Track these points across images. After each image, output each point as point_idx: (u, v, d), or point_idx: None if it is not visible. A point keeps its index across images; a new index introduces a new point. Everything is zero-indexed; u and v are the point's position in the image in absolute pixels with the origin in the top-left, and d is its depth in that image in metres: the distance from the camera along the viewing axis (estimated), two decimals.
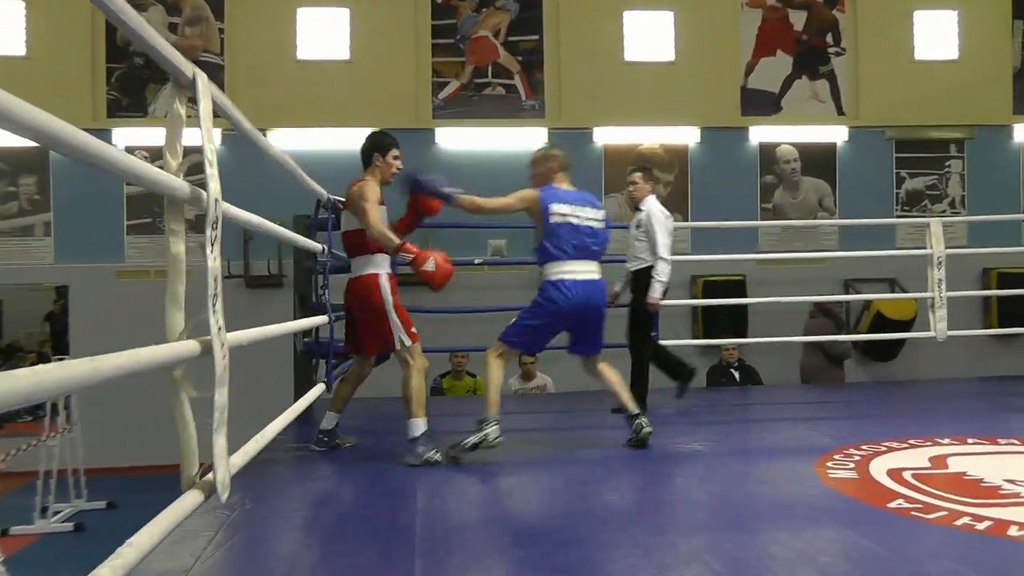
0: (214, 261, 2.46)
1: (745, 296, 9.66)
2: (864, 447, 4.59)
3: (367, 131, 10.17)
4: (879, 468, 4.10)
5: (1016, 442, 4.76)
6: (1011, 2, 10.94)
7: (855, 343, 9.40)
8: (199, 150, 2.45)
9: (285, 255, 9.31)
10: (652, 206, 5.81)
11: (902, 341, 9.71)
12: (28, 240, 9.93)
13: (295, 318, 6.49)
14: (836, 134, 10.73)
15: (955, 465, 4.20)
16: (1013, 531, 3.03)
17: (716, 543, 3.06)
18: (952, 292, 6.98)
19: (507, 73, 10.44)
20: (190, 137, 2.41)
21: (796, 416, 6.35)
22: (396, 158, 4.65)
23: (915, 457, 4.36)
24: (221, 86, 9.85)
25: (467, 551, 3.06)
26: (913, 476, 3.92)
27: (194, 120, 2.42)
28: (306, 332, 5.97)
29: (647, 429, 4.67)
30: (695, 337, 9.94)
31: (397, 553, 2.97)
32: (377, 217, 4.39)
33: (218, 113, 2.68)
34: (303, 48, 10.18)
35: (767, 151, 10.67)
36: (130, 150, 9.51)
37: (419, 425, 4.38)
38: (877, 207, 10.40)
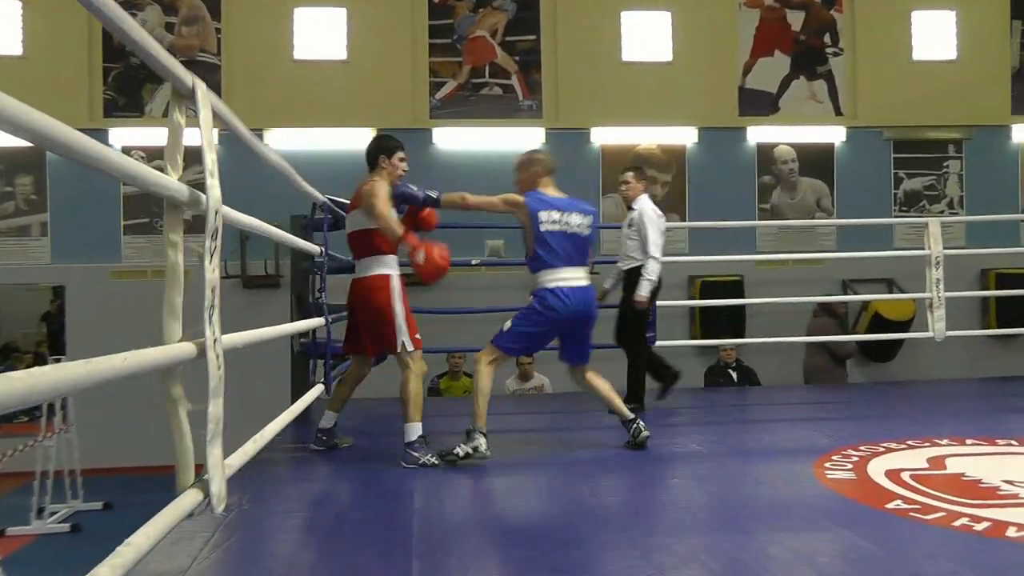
0: (212, 272, 2.44)
1: (743, 297, 9.66)
2: (862, 448, 4.59)
3: (364, 131, 10.29)
4: (877, 469, 4.10)
5: (1015, 443, 4.76)
6: (1009, 2, 10.94)
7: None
8: (198, 151, 2.44)
9: (282, 255, 9.29)
10: (644, 205, 5.83)
11: (900, 342, 9.71)
12: (25, 240, 9.91)
13: (292, 318, 6.48)
14: (834, 134, 10.73)
15: (953, 466, 4.19)
16: (1011, 532, 3.02)
17: (714, 544, 3.05)
18: (950, 292, 6.99)
19: (504, 73, 10.43)
20: (188, 139, 2.40)
21: (794, 417, 6.34)
22: (402, 160, 4.69)
23: (913, 458, 4.36)
24: (218, 86, 9.90)
25: (465, 552, 3.05)
26: (911, 477, 3.91)
27: (194, 120, 2.41)
28: (303, 333, 5.96)
29: (644, 433, 4.66)
30: (693, 337, 9.94)
31: (395, 554, 2.96)
32: (387, 208, 4.42)
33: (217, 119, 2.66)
34: (300, 48, 10.17)
35: (765, 151, 10.67)
36: (127, 150, 9.51)
37: (415, 429, 4.39)
38: (875, 207, 10.40)
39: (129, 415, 8.49)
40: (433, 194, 4.50)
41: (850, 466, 4.17)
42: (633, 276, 5.75)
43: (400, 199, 4.57)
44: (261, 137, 9.69)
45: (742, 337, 9.15)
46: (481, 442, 4.34)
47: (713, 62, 10.57)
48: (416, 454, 4.33)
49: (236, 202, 3.02)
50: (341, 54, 10.20)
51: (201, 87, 2.43)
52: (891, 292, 9.96)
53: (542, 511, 3.75)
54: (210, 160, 2.44)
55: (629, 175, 5.96)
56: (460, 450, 4.32)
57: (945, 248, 6.99)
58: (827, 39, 10.76)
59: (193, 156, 2.42)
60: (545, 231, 4.48)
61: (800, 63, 10.72)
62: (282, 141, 9.86)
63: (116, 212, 9.92)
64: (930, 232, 6.94)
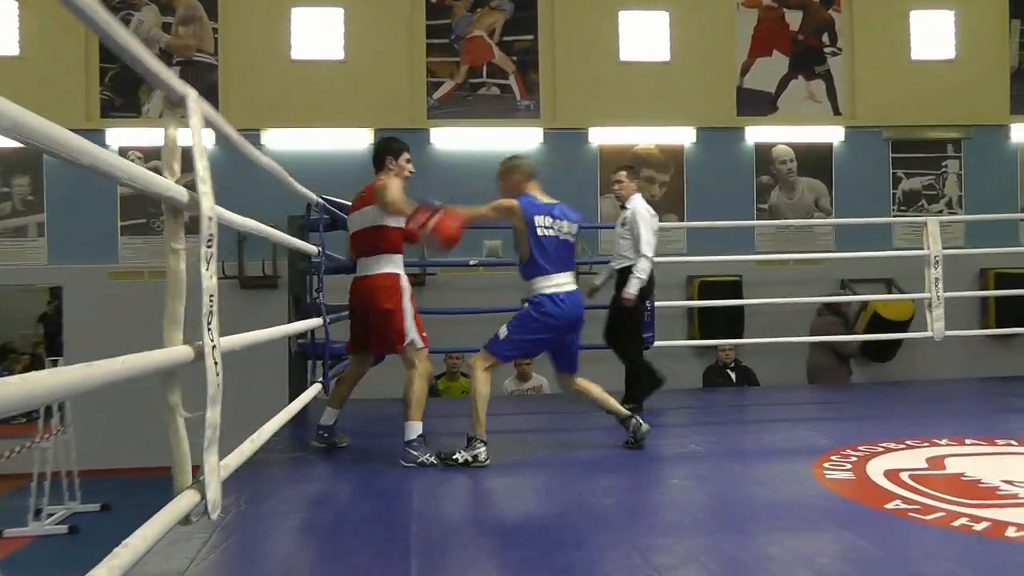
0: (210, 279, 2.43)
1: (741, 297, 9.65)
2: (861, 448, 4.58)
3: (362, 131, 10.28)
4: (876, 469, 4.09)
5: (1014, 443, 4.75)
6: (1008, 1, 10.93)
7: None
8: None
9: (280, 256, 9.28)
10: (638, 204, 5.83)
11: (899, 341, 9.70)
12: (21, 241, 9.89)
13: (290, 319, 6.47)
14: (832, 134, 10.73)
15: (953, 466, 4.19)
16: (1011, 532, 3.02)
17: (713, 544, 3.05)
18: (949, 292, 6.98)
19: (502, 73, 10.42)
20: (186, 142, 2.39)
21: (793, 417, 6.33)
22: (408, 161, 4.74)
23: (912, 458, 4.35)
24: (215, 86, 9.90)
25: (463, 552, 3.05)
26: (910, 477, 3.90)
27: (186, 125, 2.40)
28: (301, 333, 5.95)
29: (644, 428, 4.66)
30: (691, 338, 9.94)
31: (393, 554, 2.95)
32: (399, 195, 4.49)
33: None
34: (297, 48, 10.15)
35: (763, 151, 10.66)
36: (124, 151, 9.50)
37: (416, 428, 4.41)
38: (874, 207, 10.39)
39: (127, 417, 8.46)
40: (437, 203, 4.48)
41: (849, 466, 4.17)
42: (625, 275, 5.75)
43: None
44: (258, 137, 9.69)
45: (741, 337, 9.14)
46: (481, 451, 4.34)
47: (711, 62, 10.56)
48: (415, 452, 4.34)
49: (233, 203, 3.01)
50: (338, 54, 10.19)
51: (192, 94, 2.41)
52: (890, 292, 9.96)
53: (541, 511, 3.75)
54: (201, 167, 2.42)
55: (622, 174, 5.97)
56: (460, 456, 4.32)
57: (944, 248, 6.99)
58: (825, 39, 10.75)
59: (190, 160, 2.41)
60: (542, 235, 4.48)
61: (798, 63, 10.72)
62: (279, 141, 9.85)
63: (113, 213, 9.91)
64: (929, 232, 6.94)
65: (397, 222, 4.57)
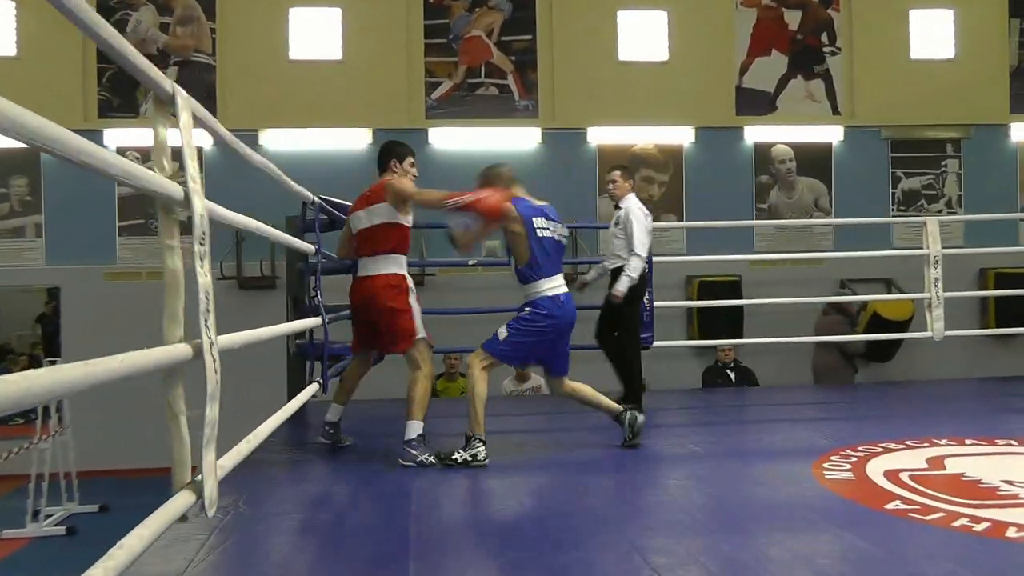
0: (205, 277, 2.42)
1: (741, 296, 9.64)
2: (861, 448, 4.57)
3: (360, 131, 10.26)
4: (876, 469, 4.08)
5: (1014, 443, 4.74)
6: (1008, 0, 10.93)
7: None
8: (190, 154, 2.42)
9: (278, 256, 9.27)
10: (631, 204, 5.83)
11: (899, 341, 9.68)
12: (19, 241, 9.88)
13: (288, 320, 6.45)
14: (831, 134, 10.72)
15: (953, 466, 4.18)
16: (1011, 532, 3.00)
17: (713, 545, 3.04)
18: (949, 292, 6.97)
19: (500, 73, 10.41)
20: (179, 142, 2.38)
21: (792, 417, 6.32)
22: (412, 165, 4.76)
23: (912, 458, 4.34)
24: (213, 86, 9.89)
25: (462, 553, 3.04)
26: (910, 477, 3.89)
27: (176, 124, 2.39)
28: (299, 334, 5.94)
29: (641, 418, 4.67)
30: (690, 338, 9.93)
31: (392, 555, 2.94)
32: (414, 187, 4.58)
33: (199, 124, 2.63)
34: (295, 48, 10.14)
35: (762, 151, 10.65)
36: (121, 151, 9.48)
37: (416, 428, 4.40)
38: (873, 207, 10.39)
39: (125, 417, 8.47)
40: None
41: (849, 466, 4.15)
42: (618, 275, 5.74)
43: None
44: (256, 137, 9.68)
45: (740, 337, 9.13)
46: (480, 450, 4.33)
47: (710, 61, 10.55)
48: (414, 452, 4.34)
49: (230, 204, 3.00)
50: (336, 54, 10.18)
51: (181, 93, 2.41)
52: (889, 292, 9.95)
53: (540, 512, 3.73)
54: (192, 166, 2.41)
55: (616, 174, 5.96)
56: (459, 456, 4.31)
57: (943, 248, 6.98)
58: (824, 38, 10.75)
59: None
60: (541, 236, 4.48)
61: (797, 62, 10.71)
62: (277, 141, 9.84)
63: (111, 213, 9.90)
64: (928, 231, 6.93)
65: (407, 221, 4.61)
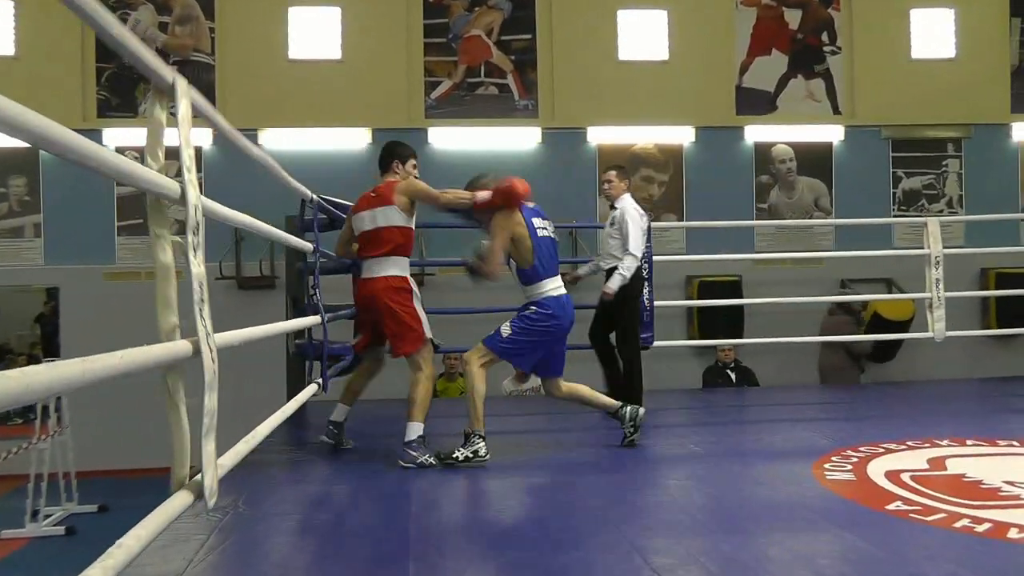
0: (198, 267, 2.41)
1: (741, 296, 9.63)
2: (862, 449, 4.56)
3: (360, 131, 10.24)
4: (877, 470, 4.07)
5: (1016, 443, 4.73)
6: (1008, 0, 10.91)
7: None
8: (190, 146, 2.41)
9: (277, 256, 9.26)
10: (627, 204, 5.83)
11: (900, 342, 9.67)
12: (18, 241, 9.86)
13: (288, 319, 6.43)
14: (832, 133, 10.70)
15: (954, 467, 4.17)
16: (1013, 533, 3.00)
17: (713, 545, 3.03)
18: (950, 292, 6.97)
19: (500, 72, 10.39)
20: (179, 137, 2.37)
21: (793, 417, 6.31)
22: (415, 167, 4.79)
23: (913, 459, 4.33)
24: (212, 85, 9.87)
25: (462, 554, 3.03)
26: (911, 478, 3.88)
27: (175, 118, 2.38)
28: (298, 333, 5.92)
29: (641, 411, 4.67)
30: (691, 338, 9.91)
31: (392, 556, 2.94)
32: (434, 190, 4.63)
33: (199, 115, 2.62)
34: (295, 47, 10.12)
35: (762, 151, 10.64)
36: (120, 151, 9.47)
37: (416, 429, 4.41)
38: (873, 207, 10.37)
39: (124, 417, 8.45)
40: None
41: (849, 467, 4.15)
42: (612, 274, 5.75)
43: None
44: (256, 137, 9.66)
45: (740, 337, 9.12)
46: (480, 446, 4.33)
47: (710, 61, 10.53)
48: (414, 453, 4.34)
49: (230, 203, 2.99)
50: (336, 53, 10.16)
51: (181, 81, 2.40)
52: (890, 292, 9.94)
53: (540, 513, 3.73)
54: (187, 155, 2.40)
55: (612, 174, 5.97)
56: (460, 454, 4.30)
57: (944, 248, 6.97)
58: (825, 37, 10.73)
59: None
60: (541, 236, 4.49)
61: (798, 62, 10.69)
62: (277, 141, 9.82)
63: (110, 213, 9.88)
64: (929, 231, 6.92)
65: (412, 223, 4.65)
